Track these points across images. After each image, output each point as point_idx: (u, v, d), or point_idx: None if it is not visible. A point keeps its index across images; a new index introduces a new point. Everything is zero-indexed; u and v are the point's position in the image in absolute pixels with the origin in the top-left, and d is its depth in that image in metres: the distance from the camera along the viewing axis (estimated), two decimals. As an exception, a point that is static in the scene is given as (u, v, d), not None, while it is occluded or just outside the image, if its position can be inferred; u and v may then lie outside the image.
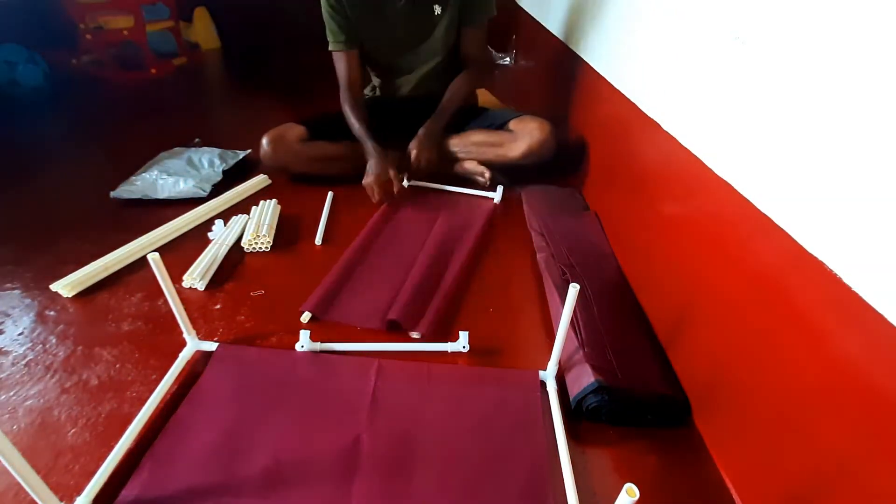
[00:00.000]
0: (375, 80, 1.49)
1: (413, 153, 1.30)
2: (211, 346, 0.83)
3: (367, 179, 1.26)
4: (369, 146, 1.28)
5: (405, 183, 1.35)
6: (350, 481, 0.64)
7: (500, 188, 1.34)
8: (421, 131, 1.32)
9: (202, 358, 0.82)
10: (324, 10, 1.29)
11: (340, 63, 1.35)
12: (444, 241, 1.13)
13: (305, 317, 0.90)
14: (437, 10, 1.29)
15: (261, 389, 0.76)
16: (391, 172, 1.25)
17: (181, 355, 0.80)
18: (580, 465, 0.66)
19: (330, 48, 1.33)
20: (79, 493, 0.59)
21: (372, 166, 1.27)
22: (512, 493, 0.63)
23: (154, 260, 0.69)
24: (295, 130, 1.34)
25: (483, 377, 0.80)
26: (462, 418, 0.73)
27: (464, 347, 0.84)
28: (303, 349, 0.83)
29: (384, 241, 1.14)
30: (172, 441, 0.68)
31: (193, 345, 0.82)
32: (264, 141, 1.31)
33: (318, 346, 0.84)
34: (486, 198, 1.35)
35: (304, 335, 0.83)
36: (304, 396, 0.75)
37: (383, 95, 1.48)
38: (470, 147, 1.39)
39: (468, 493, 0.63)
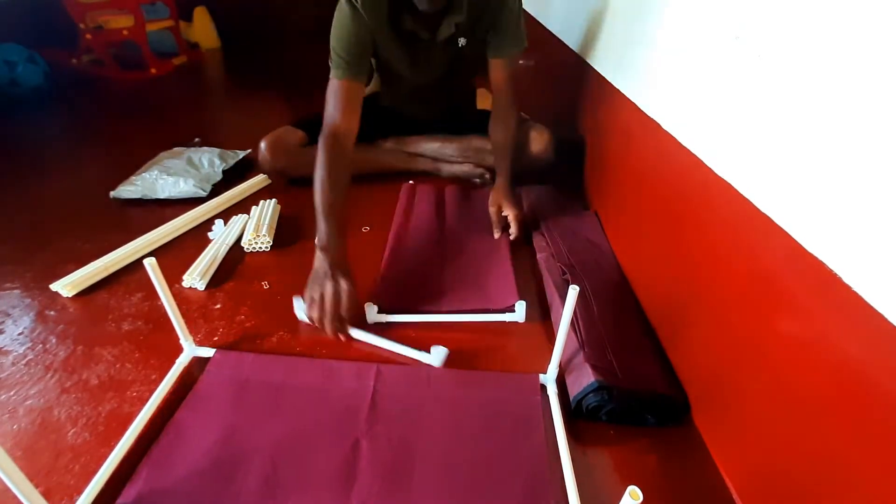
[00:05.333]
0: (384, 89, 1.39)
1: (513, 214, 1.11)
2: (208, 351, 0.82)
3: (314, 306, 0.84)
4: (324, 234, 0.89)
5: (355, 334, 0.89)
6: (349, 487, 0.63)
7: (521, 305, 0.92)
8: (503, 184, 1.17)
9: (199, 363, 0.81)
10: (333, 30, 1.03)
11: (332, 94, 1.02)
12: (463, 225, 1.19)
13: (372, 312, 0.87)
14: (462, 42, 1.18)
15: (258, 395, 0.75)
16: (346, 296, 0.84)
17: (178, 361, 0.80)
18: (581, 467, 0.66)
19: (331, 76, 1.05)
20: (79, 494, 0.59)
21: (324, 282, 0.84)
22: (512, 499, 0.63)
23: (150, 265, 0.69)
24: (294, 135, 1.32)
25: (483, 381, 0.79)
26: (462, 423, 0.73)
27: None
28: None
29: (414, 234, 1.17)
30: (169, 447, 0.67)
31: (190, 351, 0.82)
32: (262, 146, 1.29)
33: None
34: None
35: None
36: (301, 401, 0.75)
37: (392, 103, 1.42)
38: (469, 152, 1.39)
39: (468, 499, 0.63)
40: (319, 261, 0.87)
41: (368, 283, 0.97)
